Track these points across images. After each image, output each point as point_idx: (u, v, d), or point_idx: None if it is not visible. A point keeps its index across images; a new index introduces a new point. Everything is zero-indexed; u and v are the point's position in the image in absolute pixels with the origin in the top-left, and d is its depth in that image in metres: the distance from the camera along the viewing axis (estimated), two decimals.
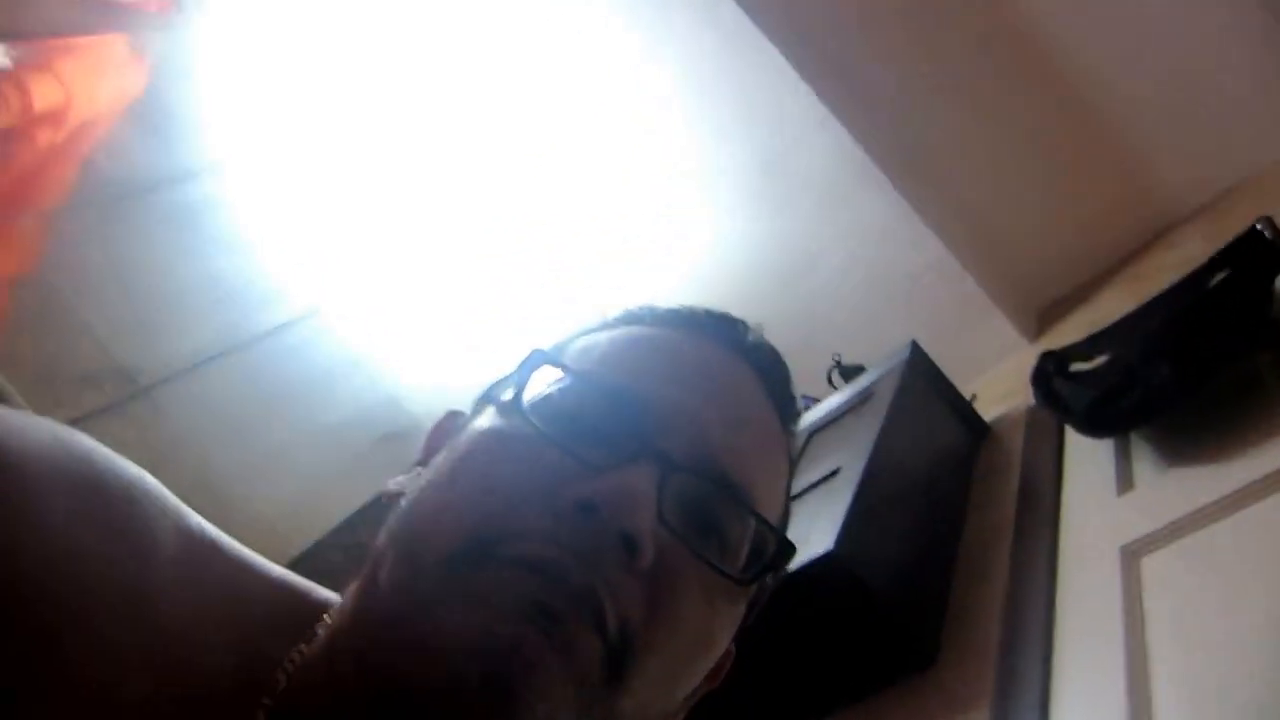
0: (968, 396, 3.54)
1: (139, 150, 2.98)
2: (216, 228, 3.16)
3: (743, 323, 1.14)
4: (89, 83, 2.84)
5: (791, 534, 1.08)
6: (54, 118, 2.72)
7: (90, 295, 2.74)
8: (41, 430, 0.94)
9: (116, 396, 2.71)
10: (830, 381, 4.01)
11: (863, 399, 3.32)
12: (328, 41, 3.93)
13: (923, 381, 3.33)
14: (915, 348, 3.44)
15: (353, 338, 3.82)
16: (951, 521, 2.91)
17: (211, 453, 2.98)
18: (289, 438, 3.30)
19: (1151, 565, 2.15)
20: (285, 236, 3.50)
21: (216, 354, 3.08)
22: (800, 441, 3.31)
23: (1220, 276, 2.54)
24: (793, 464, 1.17)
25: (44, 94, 2.68)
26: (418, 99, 4.19)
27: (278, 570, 1.07)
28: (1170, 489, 2.31)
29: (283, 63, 3.75)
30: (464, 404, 1.13)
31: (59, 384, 2.53)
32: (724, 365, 1.07)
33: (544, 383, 1.00)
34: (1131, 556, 2.20)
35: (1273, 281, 2.43)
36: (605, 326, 1.12)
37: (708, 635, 0.98)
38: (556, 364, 1.02)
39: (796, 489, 2.65)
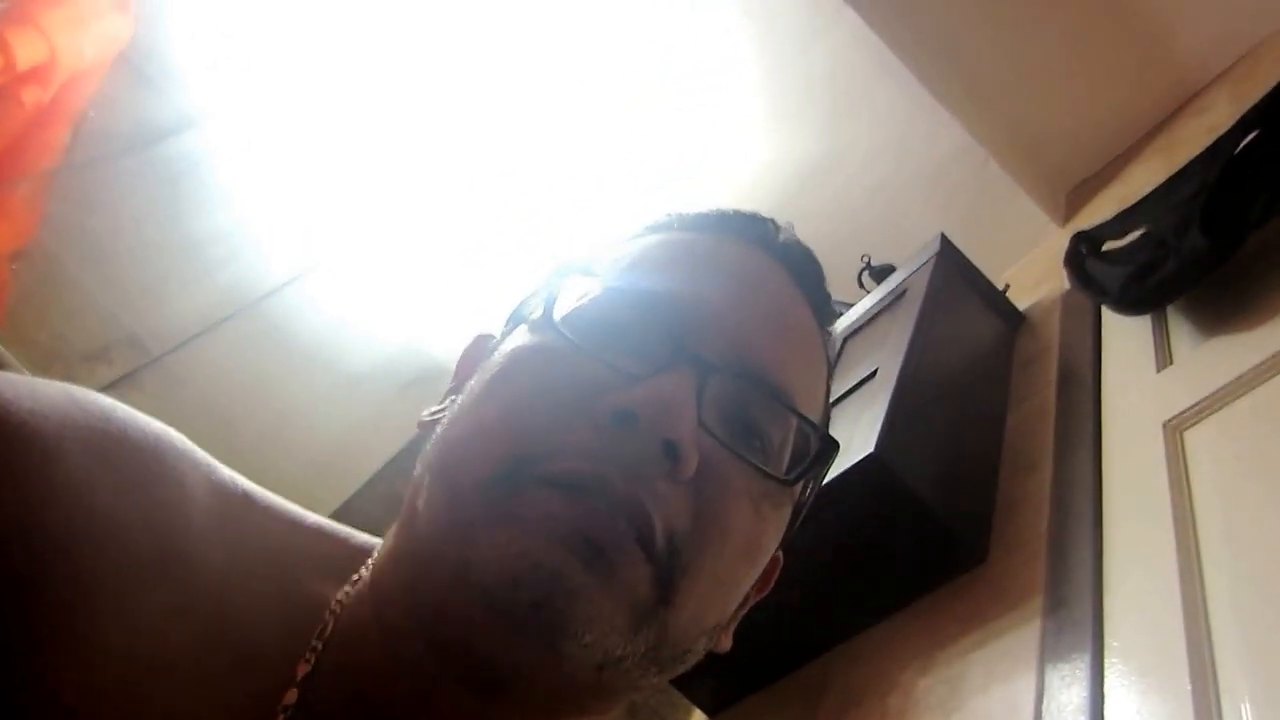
0: (1000, 286, 3.54)
1: (132, 103, 2.93)
2: (218, 180, 3.11)
3: (772, 221, 1.14)
4: (74, 34, 2.75)
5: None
6: (40, 75, 2.65)
7: (93, 263, 2.72)
8: (54, 390, 0.95)
9: (129, 368, 2.71)
10: (861, 284, 4.01)
11: (895, 298, 3.34)
12: None
13: (954, 275, 3.34)
14: (944, 241, 3.45)
15: (366, 286, 3.80)
16: (993, 414, 2.93)
17: (233, 417, 2.98)
18: (312, 394, 3.29)
19: (1195, 439, 2.17)
20: (289, 186, 3.49)
21: (228, 315, 3.05)
22: (836, 343, 3.34)
23: (1250, 138, 2.52)
24: (830, 362, 1.17)
25: (27, 50, 2.60)
26: (422, 28, 4.15)
27: (314, 518, 1.08)
28: (1210, 360, 2.32)
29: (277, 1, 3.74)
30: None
31: (70, 360, 2.51)
32: (756, 265, 1.08)
33: (574, 295, 1.00)
34: (1174, 431, 2.22)
35: None
36: (633, 236, 1.13)
37: (755, 541, 0.98)
38: (586, 275, 1.03)
39: (834, 395, 2.69)
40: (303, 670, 0.91)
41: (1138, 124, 4.19)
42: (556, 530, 0.82)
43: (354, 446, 3.31)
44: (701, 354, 0.93)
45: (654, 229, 1.13)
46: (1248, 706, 1.56)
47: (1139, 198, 2.91)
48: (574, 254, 1.11)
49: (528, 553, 0.81)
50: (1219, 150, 2.65)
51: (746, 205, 1.17)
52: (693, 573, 0.88)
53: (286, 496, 1.07)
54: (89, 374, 2.58)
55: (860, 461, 2.33)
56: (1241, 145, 2.52)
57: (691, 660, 0.96)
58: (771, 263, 1.09)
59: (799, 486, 1.04)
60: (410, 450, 1.02)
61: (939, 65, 4.19)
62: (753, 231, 1.11)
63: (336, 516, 1.10)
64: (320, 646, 0.93)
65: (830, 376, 1.18)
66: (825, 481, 1.10)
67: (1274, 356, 2.10)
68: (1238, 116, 2.60)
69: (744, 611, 1.06)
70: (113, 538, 0.88)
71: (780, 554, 1.07)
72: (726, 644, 1.04)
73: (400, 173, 4.08)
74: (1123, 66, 4.17)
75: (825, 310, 1.14)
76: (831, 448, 1.03)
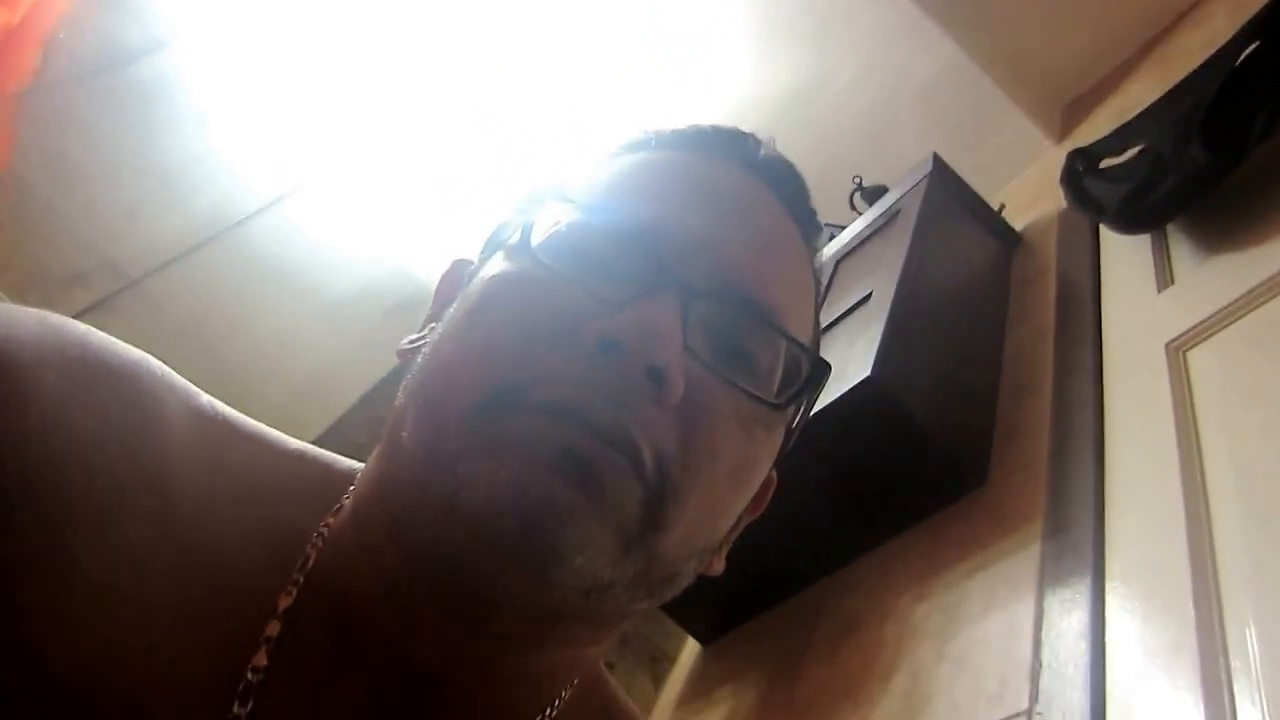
0: (996, 206, 3.55)
1: (104, 23, 2.92)
2: (194, 102, 3.10)
3: (752, 137, 1.12)
4: None
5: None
6: None
7: (68, 187, 2.70)
8: (28, 316, 0.93)
9: (107, 291, 2.70)
10: (853, 206, 4.02)
11: (888, 220, 3.34)
12: None
13: (948, 195, 3.35)
14: (937, 160, 3.45)
15: (346, 209, 3.79)
16: (991, 336, 2.93)
17: (214, 342, 2.98)
18: (293, 319, 3.29)
19: (1198, 359, 2.17)
20: (268, 108, 3.48)
21: (207, 238, 3.05)
22: (829, 268, 3.34)
23: (1250, 49, 2.50)
24: (818, 279, 1.16)
25: None
26: None
27: (296, 443, 1.07)
28: (1212, 278, 2.32)
29: None
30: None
31: (47, 285, 2.50)
32: (737, 183, 1.06)
33: (552, 220, 0.99)
34: (1177, 352, 2.22)
35: None
36: (610, 156, 1.11)
37: (746, 464, 0.97)
38: (563, 199, 1.01)
39: (829, 319, 2.68)
40: (284, 602, 0.92)
41: (1135, 36, 4.16)
42: (543, 452, 0.82)
43: (337, 372, 3.31)
44: (685, 278, 0.92)
45: (631, 148, 1.11)
46: (1252, 630, 1.57)
47: (1137, 112, 2.90)
48: (550, 176, 1.12)
49: (515, 478, 0.81)
50: (1218, 62, 2.63)
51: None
52: (681, 497, 0.88)
53: (269, 423, 1.06)
54: (66, 299, 2.57)
55: (857, 386, 2.33)
56: (1242, 57, 2.50)
57: (682, 584, 0.96)
58: (753, 180, 1.08)
59: (791, 408, 1.03)
60: (394, 377, 1.00)
61: None
62: (733, 148, 1.10)
63: (320, 443, 1.08)
64: (302, 579, 0.93)
65: (819, 294, 1.17)
66: (821, 406, 1.09)
67: (1277, 275, 2.09)
68: (1237, 27, 2.59)
69: (736, 533, 1.06)
70: (89, 465, 0.88)
71: (774, 474, 1.07)
72: (719, 567, 1.04)
73: (381, 95, 4.05)
74: None
75: (811, 226, 1.13)
76: (823, 369, 1.03)
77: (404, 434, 0.89)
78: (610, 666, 1.12)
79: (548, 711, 1.00)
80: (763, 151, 1.11)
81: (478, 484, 0.81)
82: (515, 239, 0.99)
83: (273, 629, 0.90)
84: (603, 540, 0.83)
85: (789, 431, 1.06)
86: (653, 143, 1.11)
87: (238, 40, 3.39)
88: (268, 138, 3.42)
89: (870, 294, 2.80)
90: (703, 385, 0.90)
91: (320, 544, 0.96)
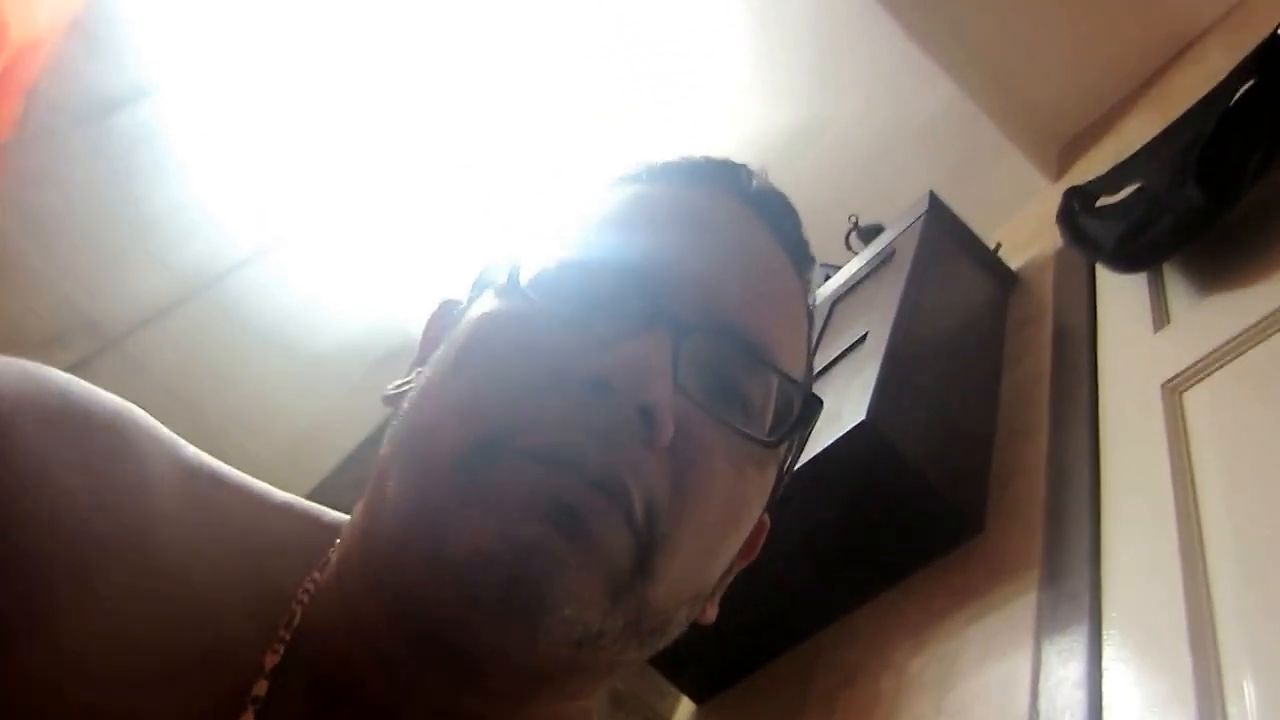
0: (992, 245, 3.55)
1: (85, 73, 2.89)
2: (175, 153, 3.07)
3: (745, 168, 1.11)
4: (25, 0, 2.75)
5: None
6: None
7: (46, 242, 2.67)
8: (9, 367, 0.93)
9: (86, 352, 2.69)
10: (849, 245, 4.04)
11: (884, 260, 3.35)
12: None
13: (944, 234, 3.35)
14: (933, 199, 3.46)
15: (331, 262, 3.78)
16: (987, 379, 2.94)
17: (197, 401, 2.97)
18: (279, 375, 3.28)
19: (1195, 399, 2.17)
20: (249, 159, 3.46)
21: (188, 294, 3.04)
22: (825, 309, 3.34)
23: (1246, 87, 2.50)
24: (811, 315, 1.14)
25: None
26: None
27: (283, 496, 1.06)
28: (1208, 318, 2.32)
29: None
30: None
31: (26, 347, 2.50)
32: (730, 216, 1.05)
33: (541, 258, 0.97)
34: (1173, 393, 2.22)
35: None
36: (601, 190, 1.09)
37: (738, 506, 0.96)
38: (553, 235, 1.01)
39: (824, 361, 2.68)
40: (271, 661, 0.90)
41: (1131, 76, 4.20)
42: (531, 502, 0.80)
43: (325, 428, 3.30)
44: (676, 314, 0.91)
45: (622, 181, 1.10)
46: (1250, 682, 1.56)
47: (1133, 151, 2.92)
48: (540, 213, 1.12)
49: (502, 529, 0.79)
50: (1214, 101, 2.65)
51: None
52: (672, 542, 0.87)
53: (259, 479, 1.05)
54: (48, 359, 2.56)
55: (852, 430, 2.32)
56: (1237, 95, 2.51)
57: (674, 633, 0.94)
58: (745, 212, 1.06)
59: (783, 447, 1.02)
60: (382, 430, 0.99)
61: (925, 17, 4.19)
62: (726, 180, 1.08)
63: (310, 499, 1.08)
64: (288, 636, 0.92)
65: (811, 329, 1.15)
66: (816, 450, 1.09)
67: (1275, 313, 2.09)
68: (1232, 66, 2.60)
69: (729, 580, 1.04)
70: (71, 518, 0.87)
71: (766, 518, 1.06)
72: (712, 615, 1.03)
73: (363, 145, 4.05)
74: (1115, 17, 4.18)
75: (804, 260, 1.12)
76: (815, 405, 1.01)
77: (389, 484, 0.88)
78: None
79: None
80: (756, 184, 1.10)
81: (464, 535, 0.80)
82: (504, 277, 0.98)
83: (260, 689, 0.88)
84: (592, 590, 0.82)
85: (781, 473, 1.05)
86: (644, 175, 1.10)
87: (220, 89, 3.37)
88: (250, 188, 3.41)
89: (865, 335, 2.80)
90: (694, 424, 0.89)
91: (306, 600, 0.95)
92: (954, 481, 2.46)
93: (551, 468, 0.82)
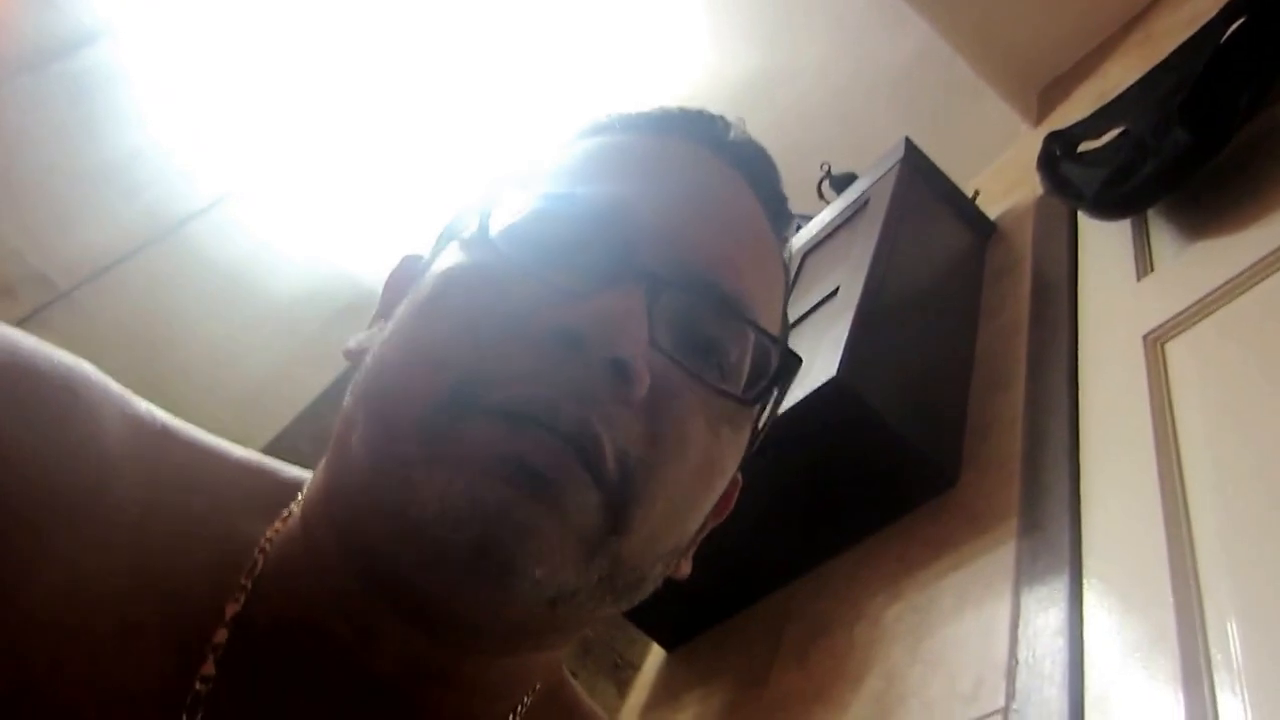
0: (970, 193, 3.58)
1: (33, 17, 2.87)
2: (126, 100, 3.06)
3: (721, 119, 1.11)
4: None
5: None
6: None
7: None
8: None
9: (36, 304, 2.70)
10: (821, 194, 4.06)
11: (857, 209, 3.36)
12: None
13: (920, 183, 3.38)
14: (909, 146, 3.48)
15: (290, 211, 3.77)
16: (963, 331, 2.97)
17: (153, 353, 2.96)
18: (236, 326, 3.26)
19: (1178, 350, 2.21)
20: (204, 105, 3.45)
21: (141, 245, 3.03)
22: (796, 260, 3.35)
23: (1235, 26, 2.51)
24: (788, 270, 1.16)
25: None
26: None
27: (241, 451, 1.06)
28: (1193, 267, 2.35)
29: None
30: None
31: None
32: (705, 167, 1.05)
33: (510, 208, 0.97)
34: (1155, 344, 2.27)
35: None
36: (571, 140, 1.09)
37: (713, 463, 0.96)
38: (522, 186, 1.00)
39: (795, 314, 2.70)
40: (232, 609, 0.91)
41: (1114, 15, 4.18)
42: (497, 463, 0.81)
43: (283, 379, 3.31)
44: (650, 266, 0.92)
45: (594, 131, 1.10)
46: (1234, 625, 1.61)
47: (1117, 94, 2.92)
48: (509, 163, 1.12)
49: (468, 490, 0.80)
50: (1202, 41, 2.65)
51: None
52: (646, 498, 0.87)
53: (214, 432, 1.06)
54: None
55: (822, 386, 2.38)
56: (1226, 35, 2.52)
57: (648, 588, 0.96)
58: (722, 165, 1.07)
59: (758, 404, 1.03)
60: (342, 382, 1.00)
61: None
62: (701, 131, 1.09)
63: (267, 451, 1.09)
64: (250, 585, 0.93)
65: (788, 285, 1.16)
66: (787, 406, 1.09)
67: (1261, 261, 2.13)
68: (1220, 5, 2.61)
69: (702, 535, 1.05)
70: (23, 474, 0.87)
71: (739, 475, 1.06)
72: (686, 570, 1.05)
73: (322, 91, 4.04)
74: None
75: (781, 214, 1.12)
76: (793, 363, 1.01)
77: (354, 438, 0.89)
78: (573, 674, 1.12)
79: (511, 718, 1.01)
80: (732, 134, 1.10)
81: (430, 496, 0.81)
82: (472, 229, 0.98)
83: (220, 636, 0.90)
84: (564, 550, 0.83)
85: (756, 429, 1.06)
86: (616, 125, 1.10)
87: (173, 33, 3.34)
88: (204, 136, 3.39)
89: (837, 289, 2.83)
90: (669, 379, 0.90)
91: (268, 549, 0.96)
92: (927, 434, 2.51)
93: (520, 425, 0.83)
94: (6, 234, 2.72)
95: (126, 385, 1.01)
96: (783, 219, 1.12)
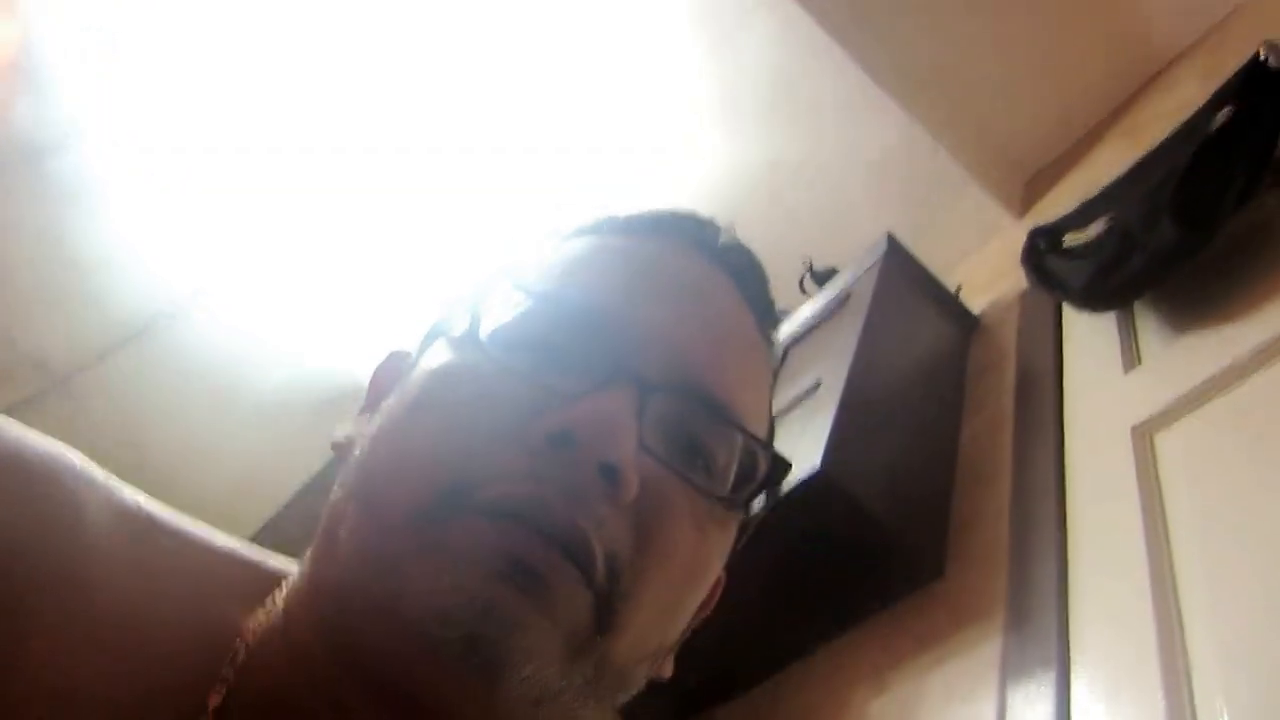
0: (953, 288, 3.58)
1: (21, 112, 2.91)
2: (114, 195, 3.08)
3: (712, 223, 1.13)
4: None
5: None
6: None
7: None
8: None
9: (32, 390, 2.71)
10: (802, 288, 4.04)
11: (839, 303, 3.37)
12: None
13: (902, 277, 3.38)
14: (891, 241, 3.49)
15: (277, 304, 3.80)
16: (947, 424, 2.96)
17: (143, 440, 2.98)
18: (224, 416, 3.28)
19: (1167, 442, 2.20)
20: (191, 200, 3.45)
21: (130, 335, 3.04)
22: (778, 353, 3.35)
23: (1223, 116, 2.49)
24: (774, 373, 1.16)
25: None
26: (324, 30, 4.10)
27: (225, 539, 1.05)
28: (1181, 359, 2.34)
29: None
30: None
31: None
32: (696, 272, 1.06)
33: (498, 309, 0.98)
34: (1144, 435, 2.25)
35: (1279, 113, 2.41)
36: (562, 240, 1.10)
37: (700, 564, 0.97)
38: (512, 286, 1.01)
39: (776, 408, 2.72)
40: (214, 701, 0.90)
41: (1099, 104, 4.20)
42: (489, 558, 0.82)
43: (270, 469, 3.31)
44: (640, 370, 0.92)
45: (584, 231, 1.11)
46: None
47: (1103, 185, 2.91)
48: (499, 260, 1.12)
49: (459, 585, 0.81)
50: (1190, 131, 2.64)
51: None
52: (634, 599, 0.89)
53: (203, 521, 1.05)
54: None
55: (806, 478, 2.36)
56: (1215, 124, 2.49)
57: (632, 689, 0.97)
58: (712, 269, 1.08)
59: (745, 505, 1.03)
60: (325, 474, 0.99)
61: (879, 48, 4.19)
62: (692, 234, 1.11)
63: (255, 540, 1.08)
64: (231, 675, 0.92)
65: (774, 387, 1.17)
66: (775, 494, 1.09)
67: (1250, 353, 2.12)
68: (1208, 93, 2.60)
69: (686, 635, 1.06)
70: (4, 567, 0.87)
71: (724, 573, 1.07)
72: (668, 671, 1.05)
73: (306, 186, 4.05)
74: (1082, 42, 4.18)
75: (769, 318, 1.15)
76: (783, 467, 1.03)
77: (343, 532, 0.89)
78: None
79: None
80: (723, 239, 1.12)
81: (421, 589, 0.81)
82: (461, 328, 0.99)
83: None
84: (551, 649, 0.83)
85: (742, 528, 1.06)
86: (607, 226, 1.11)
87: (151, 132, 3.37)
88: (188, 230, 3.41)
89: (819, 382, 2.83)
90: (658, 483, 0.91)
91: (250, 640, 0.94)
92: (912, 526, 2.50)
93: (511, 526, 0.83)
94: (3, 322, 2.73)
95: (118, 470, 1.00)
96: (770, 322, 1.14)
